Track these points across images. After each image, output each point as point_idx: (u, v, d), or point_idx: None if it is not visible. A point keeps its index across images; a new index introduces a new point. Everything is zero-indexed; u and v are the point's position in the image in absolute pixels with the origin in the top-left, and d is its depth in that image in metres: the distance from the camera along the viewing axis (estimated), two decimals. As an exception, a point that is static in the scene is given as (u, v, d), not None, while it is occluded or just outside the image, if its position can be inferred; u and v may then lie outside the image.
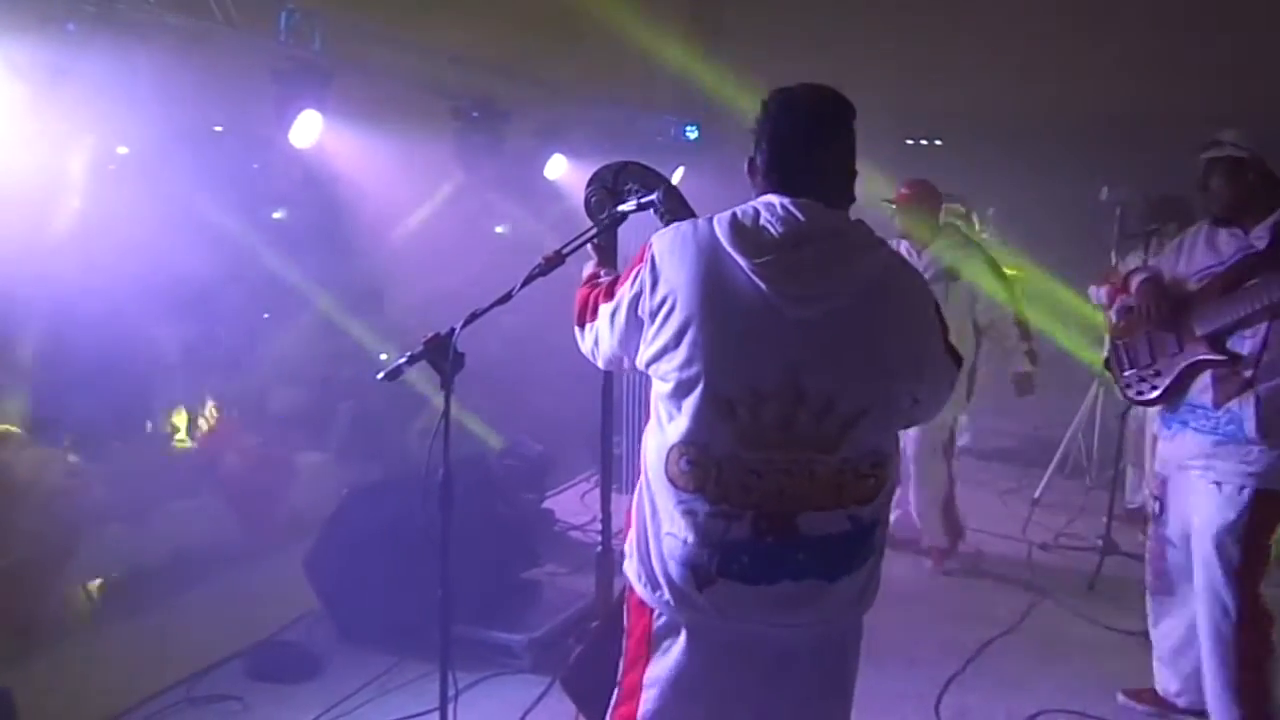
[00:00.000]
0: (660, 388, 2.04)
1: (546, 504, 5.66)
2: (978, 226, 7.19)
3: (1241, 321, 3.13)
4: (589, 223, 2.58)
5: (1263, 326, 3.09)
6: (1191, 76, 7.57)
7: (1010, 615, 4.58)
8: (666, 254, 2.01)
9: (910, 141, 10.38)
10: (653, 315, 2.00)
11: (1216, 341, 3.18)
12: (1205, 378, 3.23)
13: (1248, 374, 3.11)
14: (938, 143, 10.49)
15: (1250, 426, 3.10)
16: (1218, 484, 3.19)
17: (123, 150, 5.02)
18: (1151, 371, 3.40)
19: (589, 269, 2.44)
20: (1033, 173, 8.66)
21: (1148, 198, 5.41)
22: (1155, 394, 3.40)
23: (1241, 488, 3.14)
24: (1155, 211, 5.23)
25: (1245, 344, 3.13)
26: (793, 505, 1.96)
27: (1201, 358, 3.21)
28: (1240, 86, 7.11)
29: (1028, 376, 5.08)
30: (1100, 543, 5.10)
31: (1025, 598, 4.80)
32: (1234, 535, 3.17)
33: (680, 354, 1.96)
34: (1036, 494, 6.06)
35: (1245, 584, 3.18)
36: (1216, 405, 3.18)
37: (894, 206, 5.02)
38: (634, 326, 2.06)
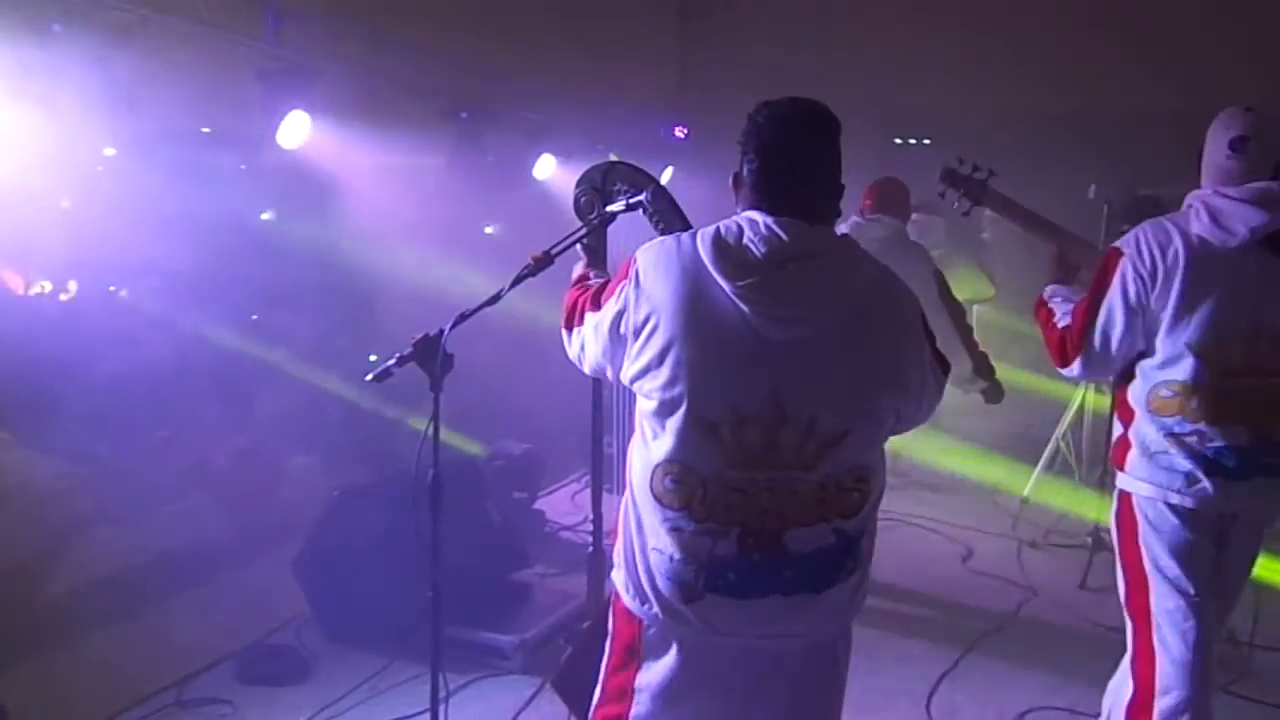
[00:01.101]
0: (644, 405, 2.03)
1: (537, 504, 5.65)
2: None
3: None
4: (578, 223, 2.59)
5: None
6: (1181, 75, 7.59)
7: (1000, 613, 4.60)
8: (651, 271, 2.00)
9: (898, 141, 10.40)
10: (636, 333, 1.99)
11: None
12: None
13: None
14: (925, 142, 10.51)
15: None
16: None
17: (110, 152, 5.00)
18: None
19: (578, 270, 2.44)
20: (1020, 171, 8.62)
21: (1133, 196, 5.43)
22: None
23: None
24: (1128, 212, 5.23)
25: None
26: (777, 522, 1.96)
27: None
28: (1232, 85, 7.13)
29: (990, 388, 4.88)
30: (1089, 540, 5.12)
31: (1015, 595, 4.82)
32: (1111, 524, 3.02)
33: (663, 374, 1.96)
34: (1025, 492, 6.08)
35: (1123, 580, 2.96)
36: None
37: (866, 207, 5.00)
38: (617, 342, 2.05)
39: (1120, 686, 2.95)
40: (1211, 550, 2.83)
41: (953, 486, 6.59)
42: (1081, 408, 6.21)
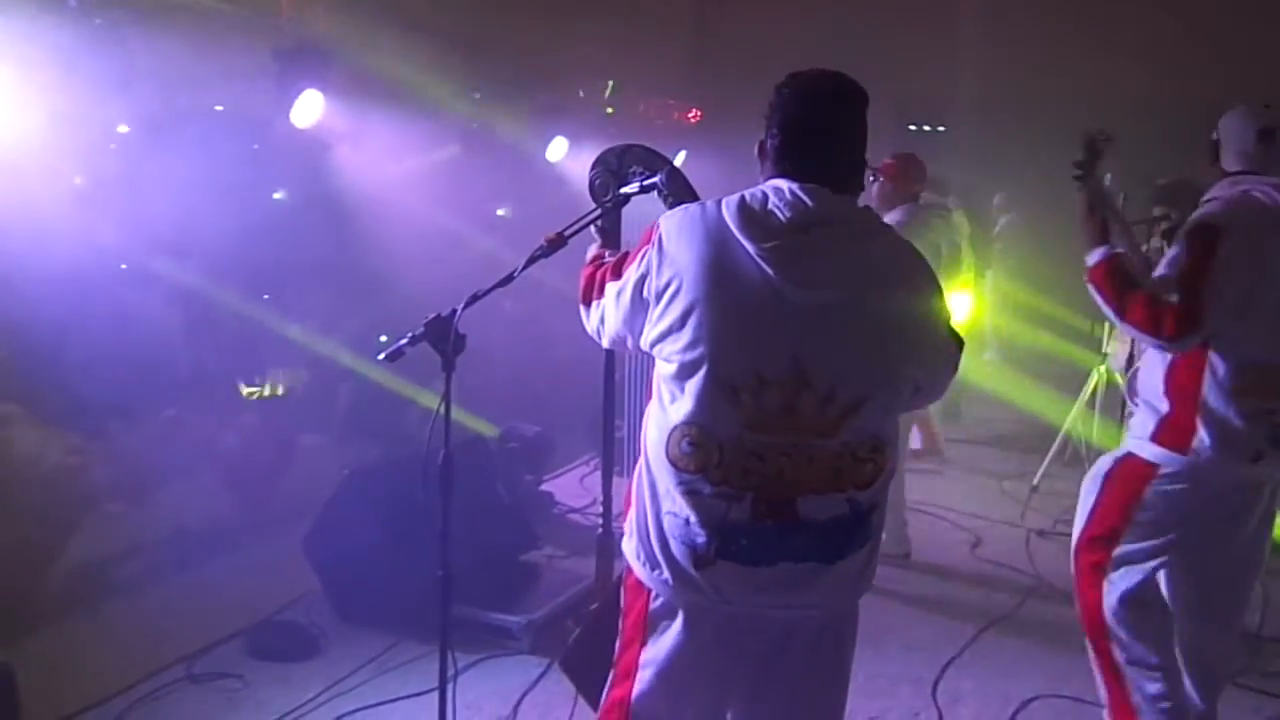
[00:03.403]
0: (664, 369, 2.04)
1: (546, 487, 5.67)
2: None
3: None
4: (591, 204, 2.58)
5: None
6: (1198, 62, 7.54)
7: (1008, 601, 4.60)
8: (674, 235, 2.01)
9: (913, 127, 10.34)
10: (659, 296, 2.00)
11: None
12: None
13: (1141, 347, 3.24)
14: (940, 129, 10.46)
15: (1131, 396, 3.20)
16: None
17: (123, 129, 5.00)
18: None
19: (593, 250, 2.44)
20: (1035, 158, 8.63)
21: (1154, 183, 5.38)
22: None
23: (1122, 449, 3.17)
24: (1160, 197, 5.20)
25: None
26: (791, 489, 1.97)
27: None
28: (1247, 72, 7.08)
29: None
30: (1098, 530, 5.10)
31: (1023, 584, 4.82)
32: (1094, 485, 3.17)
33: (685, 336, 1.96)
34: (1035, 481, 6.07)
35: (1084, 545, 3.18)
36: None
37: (874, 179, 4.97)
38: (639, 307, 2.06)
39: None
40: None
41: (961, 474, 6.59)
42: (1093, 397, 6.20)
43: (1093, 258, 3.02)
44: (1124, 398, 5.15)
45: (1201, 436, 2.93)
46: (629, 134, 2.86)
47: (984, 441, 7.32)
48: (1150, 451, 3.03)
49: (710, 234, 1.97)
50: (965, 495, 6.03)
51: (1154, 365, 3.05)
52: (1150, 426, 3.04)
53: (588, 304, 2.23)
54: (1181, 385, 2.96)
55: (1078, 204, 3.13)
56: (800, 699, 2.13)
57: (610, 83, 7.26)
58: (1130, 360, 4.34)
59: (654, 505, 2.06)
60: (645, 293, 2.03)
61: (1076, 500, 5.73)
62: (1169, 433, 2.99)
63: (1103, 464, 3.20)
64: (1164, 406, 3.00)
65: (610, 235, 2.51)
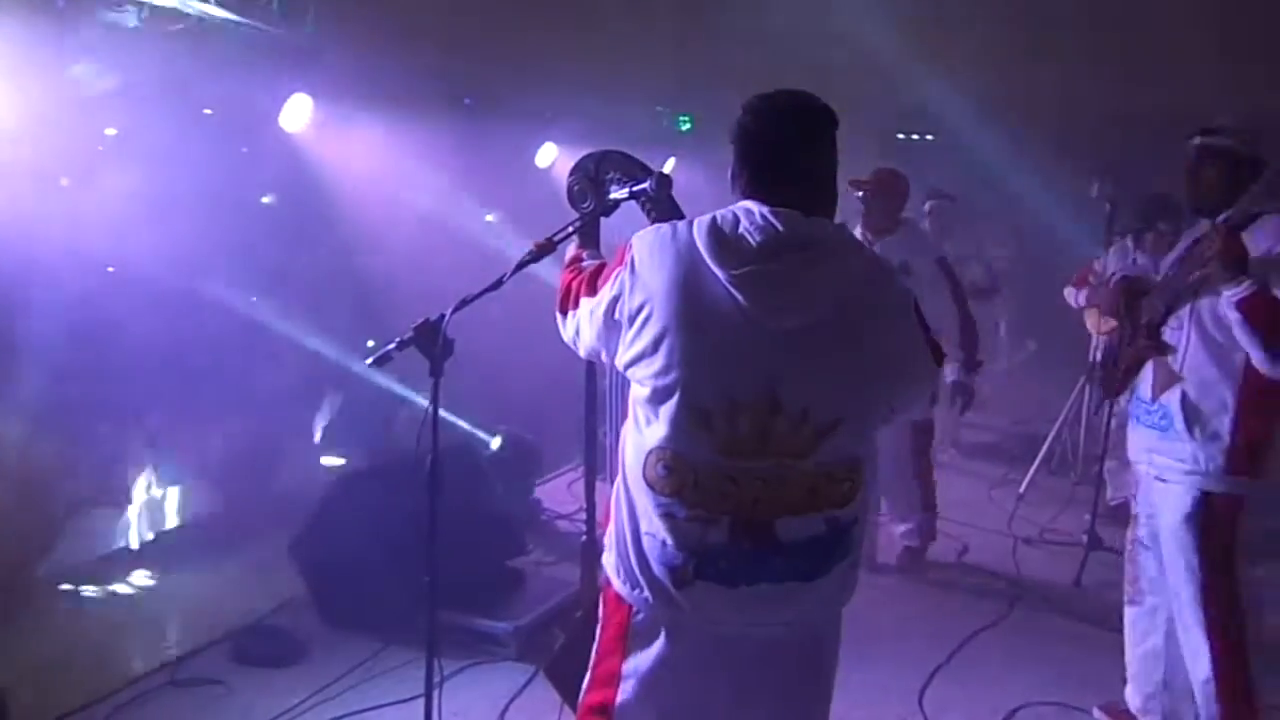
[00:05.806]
0: (638, 391, 2.04)
1: (533, 493, 5.65)
2: None
3: (1170, 308, 3.12)
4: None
5: (1185, 313, 3.08)
6: (1184, 73, 7.59)
7: (994, 609, 4.60)
8: (646, 258, 2.00)
9: (901, 136, 10.37)
10: (630, 319, 1.99)
11: (1153, 330, 3.18)
12: (1147, 369, 3.20)
13: (1176, 365, 3.09)
14: (929, 138, 10.48)
15: (1178, 420, 3.06)
16: (1163, 480, 3.15)
17: (111, 132, 4.98)
18: (1120, 367, 3.40)
19: (571, 251, 2.43)
20: (1024, 169, 8.68)
21: (1138, 195, 5.42)
22: (1115, 386, 3.45)
23: (1188, 490, 3.08)
24: (1144, 210, 5.23)
25: (1173, 334, 3.12)
26: (768, 511, 1.96)
27: (1142, 346, 3.22)
28: (1233, 82, 7.13)
29: (965, 386, 4.96)
30: (1085, 539, 5.12)
31: (1010, 592, 4.82)
32: (1190, 537, 3.08)
33: (657, 361, 1.96)
34: (1021, 489, 6.08)
35: (1210, 588, 3.08)
36: (1153, 398, 3.16)
37: (859, 194, 4.94)
38: (612, 328, 2.05)
39: None
40: None
41: (948, 481, 6.60)
42: (1079, 406, 6.22)
43: (1239, 292, 2.87)
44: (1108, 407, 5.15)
45: None
46: (618, 140, 2.85)
47: (970, 450, 7.34)
48: (1229, 484, 3.02)
49: (681, 258, 1.96)
50: (952, 503, 6.04)
51: (1217, 386, 3.00)
52: (1219, 458, 3.01)
53: (564, 313, 2.22)
54: (1259, 405, 2.96)
55: (1217, 233, 2.96)
56: (784, 710, 2.13)
57: None
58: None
59: (633, 524, 2.06)
60: (617, 315, 2.02)
61: (1062, 508, 5.80)
62: (1242, 459, 3.00)
63: (1174, 515, 3.10)
64: (1230, 432, 2.99)
65: (589, 236, 2.51)
